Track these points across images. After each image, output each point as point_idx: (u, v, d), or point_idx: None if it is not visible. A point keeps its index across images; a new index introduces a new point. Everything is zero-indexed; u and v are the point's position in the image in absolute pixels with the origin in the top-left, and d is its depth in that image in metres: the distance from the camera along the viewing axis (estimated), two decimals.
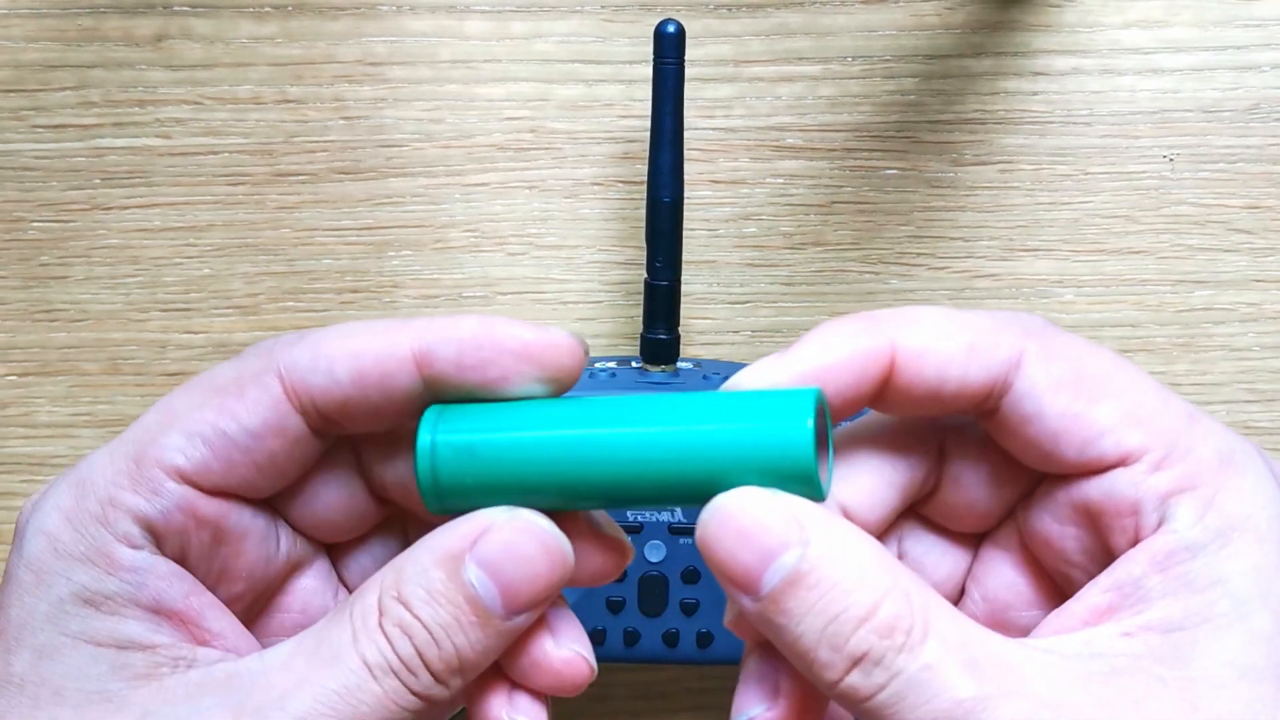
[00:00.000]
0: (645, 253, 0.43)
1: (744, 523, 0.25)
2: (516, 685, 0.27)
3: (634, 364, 0.44)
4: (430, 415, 0.27)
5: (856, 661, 0.24)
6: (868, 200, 0.47)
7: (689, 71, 0.42)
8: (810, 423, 0.25)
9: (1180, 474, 0.26)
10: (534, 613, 0.26)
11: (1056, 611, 0.27)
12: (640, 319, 0.44)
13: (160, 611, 0.26)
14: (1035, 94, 0.47)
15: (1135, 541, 0.26)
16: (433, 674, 0.25)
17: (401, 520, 0.31)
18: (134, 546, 0.26)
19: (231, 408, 0.26)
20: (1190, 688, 0.24)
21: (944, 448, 0.29)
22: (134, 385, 0.49)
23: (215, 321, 0.48)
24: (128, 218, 0.47)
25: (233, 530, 0.27)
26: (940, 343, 0.27)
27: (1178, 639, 0.24)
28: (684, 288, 0.44)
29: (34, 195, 0.47)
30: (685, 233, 0.43)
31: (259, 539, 0.28)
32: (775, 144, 0.47)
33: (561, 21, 0.46)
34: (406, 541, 0.29)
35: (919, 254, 0.48)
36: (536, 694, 0.27)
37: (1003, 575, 0.30)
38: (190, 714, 0.25)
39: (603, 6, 0.46)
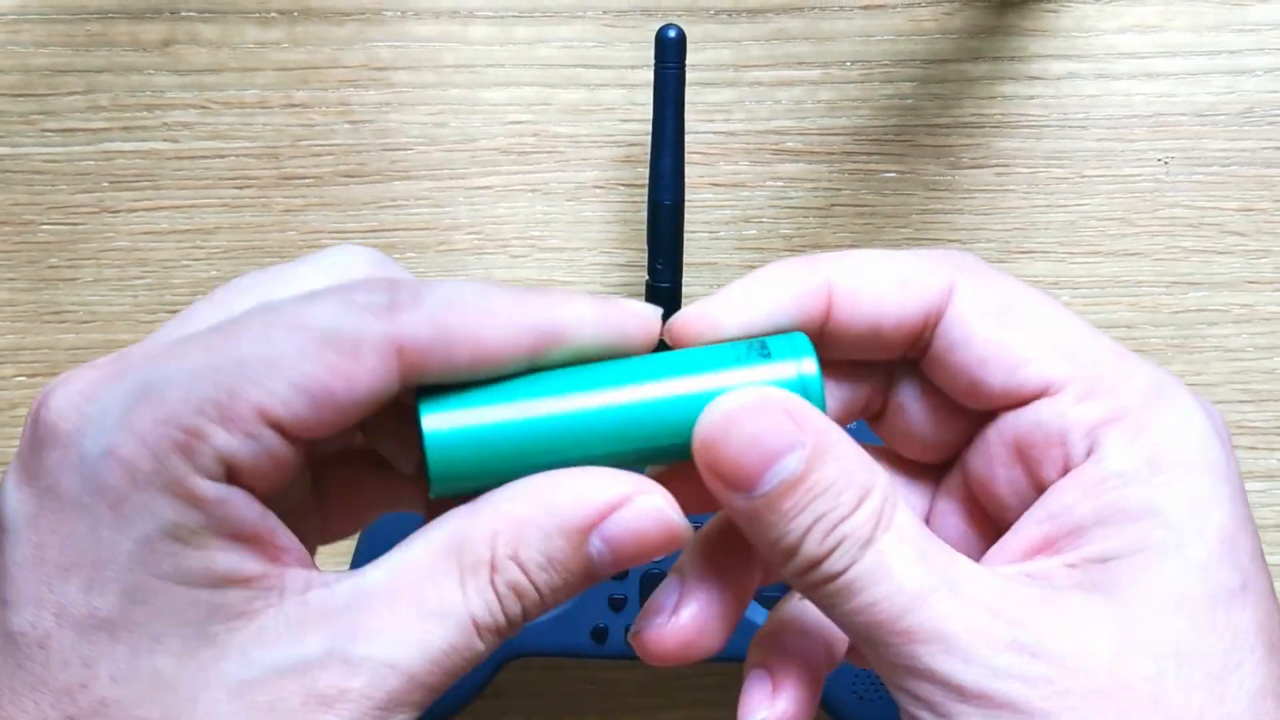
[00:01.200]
0: (646, 255, 0.43)
1: (749, 427, 0.25)
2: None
3: None
4: (429, 406, 0.25)
5: (832, 551, 0.25)
6: (866, 203, 0.48)
7: (690, 76, 0.43)
8: (815, 362, 0.26)
9: (1108, 405, 0.26)
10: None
11: (995, 547, 0.27)
12: None
13: (241, 537, 0.24)
14: (1032, 98, 0.47)
15: (1065, 473, 0.26)
16: (527, 620, 0.25)
17: None
18: (214, 479, 0.24)
19: (347, 371, 0.24)
20: (1126, 615, 0.24)
21: (892, 372, 0.29)
22: None
23: None
24: (136, 220, 0.48)
25: (295, 466, 0.25)
26: (875, 279, 0.27)
27: (1114, 567, 0.25)
28: (685, 289, 0.44)
29: (43, 198, 0.48)
30: (686, 235, 0.43)
31: (303, 468, 0.27)
32: (775, 147, 0.47)
33: (564, 26, 0.47)
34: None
35: None
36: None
37: (952, 526, 0.30)
38: (298, 658, 0.24)
39: (604, 11, 0.46)
